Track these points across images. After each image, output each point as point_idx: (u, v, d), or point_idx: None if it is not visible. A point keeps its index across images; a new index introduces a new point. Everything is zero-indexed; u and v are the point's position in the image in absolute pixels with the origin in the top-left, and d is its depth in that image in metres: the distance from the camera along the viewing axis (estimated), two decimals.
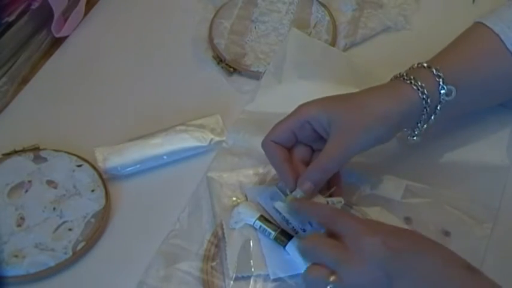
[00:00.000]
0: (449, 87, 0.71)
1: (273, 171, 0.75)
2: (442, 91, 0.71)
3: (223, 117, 0.82)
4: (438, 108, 0.72)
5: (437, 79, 0.71)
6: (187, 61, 0.90)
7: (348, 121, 0.69)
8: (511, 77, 0.76)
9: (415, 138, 0.74)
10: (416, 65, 0.74)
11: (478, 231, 0.72)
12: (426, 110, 0.71)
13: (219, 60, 0.88)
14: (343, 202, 0.71)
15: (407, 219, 0.73)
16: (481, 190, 0.75)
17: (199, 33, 0.92)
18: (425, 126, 0.73)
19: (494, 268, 0.70)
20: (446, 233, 0.72)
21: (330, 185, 0.72)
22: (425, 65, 0.73)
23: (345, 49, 0.90)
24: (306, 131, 0.71)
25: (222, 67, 0.88)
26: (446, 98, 0.72)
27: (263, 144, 0.72)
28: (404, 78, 0.72)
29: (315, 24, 0.92)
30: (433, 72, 0.72)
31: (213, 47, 0.90)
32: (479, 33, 0.76)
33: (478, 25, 0.77)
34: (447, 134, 0.80)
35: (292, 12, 0.93)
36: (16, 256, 0.70)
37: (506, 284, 0.69)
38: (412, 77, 0.71)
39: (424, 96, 0.70)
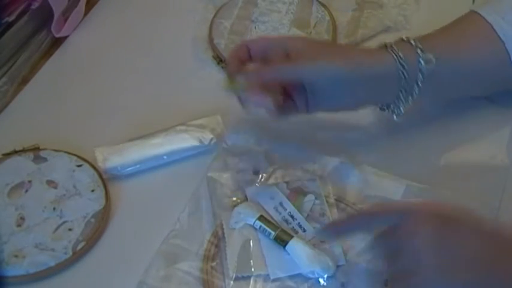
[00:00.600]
0: (427, 55, 0.72)
1: (277, 172, 0.76)
2: (421, 60, 0.72)
3: (223, 117, 0.82)
4: (419, 77, 0.73)
5: (415, 48, 0.73)
6: (187, 61, 0.90)
7: (315, 49, 0.73)
8: (501, 65, 0.76)
9: (399, 115, 0.75)
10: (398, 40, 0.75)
11: None
12: (404, 75, 0.72)
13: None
14: (280, 97, 0.74)
15: None
16: (481, 190, 0.75)
17: (199, 33, 0.92)
18: (410, 99, 0.74)
19: None
20: None
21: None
22: (404, 38, 0.75)
23: None
24: (278, 53, 0.73)
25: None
26: (426, 66, 0.72)
27: (238, 45, 0.75)
28: (386, 47, 0.74)
29: (315, 24, 0.92)
30: (411, 42, 0.73)
31: (213, 47, 0.90)
32: (471, 20, 0.77)
33: (471, 13, 0.78)
34: (447, 133, 0.80)
35: (292, 12, 0.93)
36: (16, 256, 0.70)
37: None
38: (388, 44, 0.74)
39: (399, 59, 0.72)
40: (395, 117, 0.75)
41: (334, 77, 0.72)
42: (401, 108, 0.75)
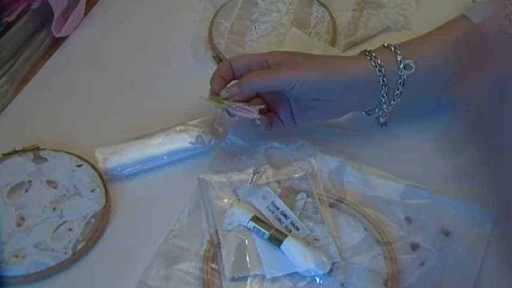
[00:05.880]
0: (407, 61, 0.73)
1: (268, 172, 0.76)
2: (401, 66, 0.73)
3: (223, 117, 0.82)
4: (399, 82, 0.74)
5: (395, 55, 0.74)
6: (187, 61, 0.90)
7: (295, 61, 0.74)
8: None
9: (381, 120, 0.77)
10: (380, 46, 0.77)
11: (478, 231, 0.72)
12: (384, 81, 0.73)
13: (219, 60, 0.88)
14: (263, 106, 0.75)
15: (408, 219, 0.73)
16: (481, 190, 0.75)
17: (199, 33, 0.92)
18: (392, 104, 0.75)
19: (494, 268, 0.70)
20: (446, 233, 0.72)
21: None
22: (385, 44, 0.76)
23: (345, 49, 0.90)
24: (260, 68, 0.75)
25: None
26: (406, 72, 0.73)
27: (221, 63, 0.77)
28: (365, 54, 0.75)
29: (315, 24, 0.92)
30: (391, 49, 0.75)
31: (213, 47, 0.90)
32: (457, 23, 0.78)
33: (460, 16, 0.78)
34: (446, 133, 0.80)
35: (292, 12, 0.93)
36: (16, 256, 0.70)
37: (506, 284, 0.69)
38: (368, 51, 0.75)
39: (378, 66, 0.73)
40: (380, 121, 0.78)
41: (315, 84, 0.73)
42: (385, 112, 0.76)
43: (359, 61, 0.75)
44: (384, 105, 0.76)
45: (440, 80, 0.76)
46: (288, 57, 0.75)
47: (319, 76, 0.73)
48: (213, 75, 0.76)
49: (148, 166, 0.78)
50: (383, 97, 0.75)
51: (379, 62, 0.74)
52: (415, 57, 0.74)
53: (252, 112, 0.73)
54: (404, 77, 0.74)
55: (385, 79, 0.74)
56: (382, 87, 0.74)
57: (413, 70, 0.74)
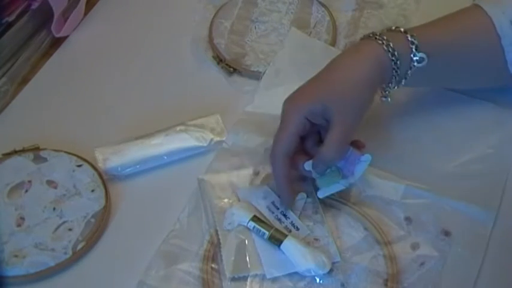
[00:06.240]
0: (421, 54, 0.72)
1: (268, 171, 0.76)
2: (415, 58, 0.72)
3: (223, 117, 0.82)
4: (408, 73, 0.73)
5: (410, 45, 0.72)
6: (187, 61, 0.90)
7: (339, 105, 0.70)
8: (494, 61, 0.76)
9: (384, 99, 0.75)
10: (394, 28, 0.74)
11: (478, 231, 0.72)
12: (396, 71, 0.72)
13: (219, 60, 0.88)
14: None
15: (408, 219, 0.73)
16: (481, 190, 0.75)
17: (199, 33, 0.92)
18: (395, 87, 0.75)
19: (494, 268, 0.70)
20: (446, 233, 0.72)
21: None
22: (401, 29, 0.74)
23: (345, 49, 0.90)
24: (306, 128, 0.71)
25: (222, 67, 0.88)
26: (418, 65, 0.73)
27: (275, 158, 0.71)
28: (376, 38, 0.72)
29: (315, 24, 0.92)
30: (407, 38, 0.72)
31: (213, 47, 0.90)
32: (471, 12, 0.77)
33: (473, 6, 0.77)
34: (446, 134, 0.80)
35: (292, 12, 0.93)
36: (16, 256, 0.70)
37: (506, 284, 0.69)
38: (384, 38, 0.72)
39: (394, 58, 0.72)
40: (381, 98, 0.76)
41: (364, 107, 0.73)
42: (387, 92, 0.75)
43: (378, 57, 0.71)
44: (388, 88, 0.74)
45: (450, 70, 0.76)
46: (326, 106, 0.70)
47: (357, 102, 0.71)
48: (282, 187, 0.72)
49: (148, 166, 0.78)
50: (390, 83, 0.74)
51: (396, 54, 0.71)
52: (430, 47, 0.73)
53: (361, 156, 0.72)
54: (415, 68, 0.73)
55: (398, 71, 0.72)
56: (393, 77, 0.73)
57: (424, 63, 0.72)
